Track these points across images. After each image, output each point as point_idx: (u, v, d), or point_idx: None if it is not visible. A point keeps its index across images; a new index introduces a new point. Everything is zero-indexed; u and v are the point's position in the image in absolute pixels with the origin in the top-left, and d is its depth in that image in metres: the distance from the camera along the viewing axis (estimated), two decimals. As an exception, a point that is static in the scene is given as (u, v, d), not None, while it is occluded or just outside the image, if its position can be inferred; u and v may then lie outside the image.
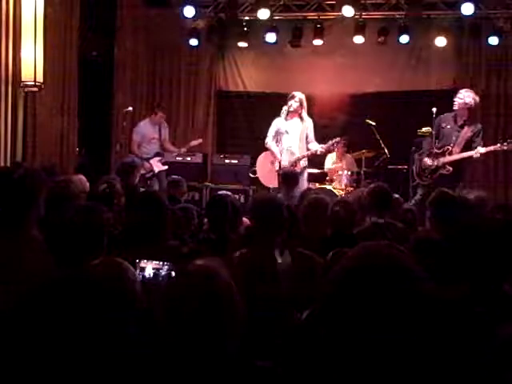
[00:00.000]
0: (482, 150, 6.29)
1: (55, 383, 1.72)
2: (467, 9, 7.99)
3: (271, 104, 7.51)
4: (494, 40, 8.53)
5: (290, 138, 6.92)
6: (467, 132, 6.41)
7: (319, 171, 8.46)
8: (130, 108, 8.21)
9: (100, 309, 1.81)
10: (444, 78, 9.04)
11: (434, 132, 6.59)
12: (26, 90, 6.68)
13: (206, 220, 4.51)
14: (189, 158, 8.62)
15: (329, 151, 7.41)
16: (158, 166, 8.02)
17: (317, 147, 6.96)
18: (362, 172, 8.06)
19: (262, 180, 7.32)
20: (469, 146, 6.39)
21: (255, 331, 1.67)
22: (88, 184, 5.02)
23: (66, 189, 3.88)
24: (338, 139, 7.09)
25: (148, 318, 1.83)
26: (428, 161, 6.52)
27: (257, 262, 2.88)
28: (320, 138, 7.19)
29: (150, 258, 2.40)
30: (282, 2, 9.10)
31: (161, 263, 2.25)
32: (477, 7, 8.06)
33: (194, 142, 8.42)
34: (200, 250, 3.29)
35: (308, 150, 6.99)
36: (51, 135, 7.61)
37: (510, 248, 2.19)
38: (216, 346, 1.58)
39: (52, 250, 2.36)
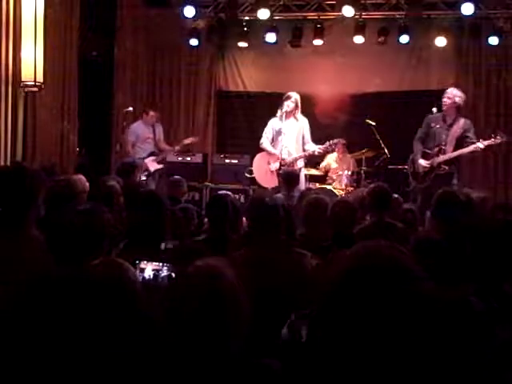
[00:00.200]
0: (481, 145, 6.31)
1: (55, 383, 1.72)
2: (467, 9, 7.99)
3: (271, 104, 7.50)
4: (494, 40, 8.53)
5: (287, 138, 6.92)
6: (457, 130, 6.44)
7: (319, 171, 8.48)
8: (130, 108, 8.22)
9: (100, 309, 1.81)
10: (444, 78, 9.03)
11: (423, 132, 6.62)
12: (26, 90, 6.68)
13: (206, 220, 4.51)
14: (189, 158, 8.62)
15: (326, 152, 7.41)
16: (153, 165, 8.03)
17: (314, 148, 6.96)
18: (362, 172, 8.06)
19: (258, 180, 7.32)
20: (460, 143, 6.42)
21: (256, 331, 1.66)
22: (88, 184, 5.02)
23: (66, 189, 3.88)
24: (335, 141, 7.08)
25: (148, 318, 1.83)
26: (423, 162, 6.53)
27: (255, 262, 2.88)
28: (320, 138, 7.19)
29: (150, 259, 2.40)
30: (281, 2, 9.10)
31: (160, 264, 2.25)
32: (477, 7, 8.05)
33: (187, 141, 8.41)
34: (200, 250, 3.28)
35: (305, 150, 6.99)
36: (51, 135, 7.61)
37: (510, 248, 2.19)
38: (218, 346, 1.58)
39: (52, 249, 2.36)
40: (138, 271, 2.30)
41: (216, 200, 3.98)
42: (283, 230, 3.17)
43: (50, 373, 1.72)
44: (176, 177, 6.09)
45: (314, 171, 8.30)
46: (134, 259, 2.36)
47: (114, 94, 9.50)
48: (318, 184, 8.07)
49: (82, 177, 5.08)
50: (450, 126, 6.47)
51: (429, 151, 6.55)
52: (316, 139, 7.15)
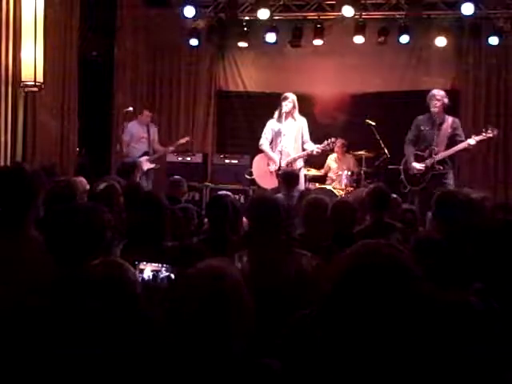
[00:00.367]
0: (472, 141, 6.37)
1: (56, 383, 1.72)
2: (467, 9, 7.99)
3: (271, 104, 7.49)
4: (494, 40, 8.52)
5: (286, 139, 6.92)
6: (447, 129, 6.49)
7: (320, 172, 8.48)
8: (130, 108, 8.24)
9: (100, 309, 1.81)
10: (444, 78, 9.03)
11: (414, 134, 6.64)
12: (26, 90, 6.68)
13: (206, 220, 4.51)
14: (189, 158, 8.63)
15: (325, 151, 7.41)
16: (146, 164, 8.07)
17: (313, 147, 6.97)
18: (362, 172, 8.06)
19: (258, 181, 7.33)
20: (451, 142, 6.47)
21: (257, 331, 1.66)
22: (88, 185, 5.02)
23: (66, 189, 3.88)
24: (333, 139, 7.09)
25: (147, 318, 1.83)
26: (417, 165, 6.55)
27: (255, 262, 2.88)
28: (320, 139, 7.18)
29: (150, 259, 2.40)
30: (281, 2, 9.09)
31: (160, 265, 2.24)
32: (477, 7, 8.05)
33: (182, 141, 8.44)
34: (200, 250, 3.28)
35: (304, 150, 7.00)
36: (51, 135, 7.61)
37: (510, 248, 2.19)
38: (221, 346, 1.57)
39: (52, 250, 2.36)
40: (137, 272, 2.30)
41: (216, 200, 3.99)
42: (283, 230, 3.17)
43: (50, 372, 1.72)
44: (176, 177, 6.09)
45: (313, 171, 8.30)
46: (133, 260, 2.36)
47: (114, 94, 9.50)
48: (317, 184, 8.08)
49: (82, 179, 5.10)
50: (440, 125, 6.52)
51: (421, 153, 6.59)
52: (316, 139, 7.14)
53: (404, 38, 8.70)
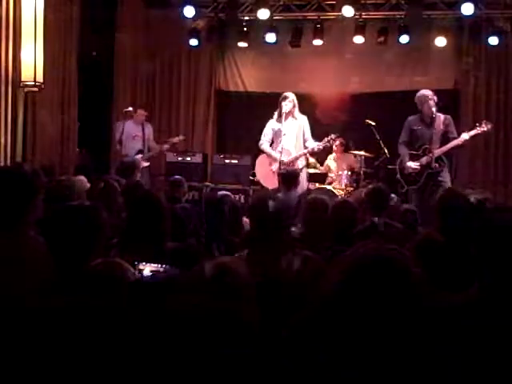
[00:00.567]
0: (466, 136, 6.40)
1: (56, 383, 1.72)
2: (467, 9, 8.00)
3: (271, 104, 7.49)
4: (494, 40, 8.52)
5: (287, 138, 6.92)
6: (440, 126, 6.50)
7: (320, 171, 8.48)
8: (130, 108, 8.23)
9: (100, 309, 1.81)
10: (444, 78, 9.04)
11: (406, 135, 6.66)
12: (25, 90, 6.68)
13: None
14: (189, 158, 8.63)
15: (326, 148, 7.41)
16: (141, 163, 8.07)
17: (313, 145, 6.98)
18: (362, 172, 8.06)
19: (261, 181, 7.32)
20: (444, 139, 6.49)
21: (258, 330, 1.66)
22: (88, 185, 5.02)
23: (66, 189, 3.88)
24: (332, 136, 7.10)
25: (147, 319, 1.82)
26: (412, 164, 6.55)
27: (257, 263, 2.87)
28: (319, 138, 7.18)
29: (149, 259, 2.39)
30: (281, 2, 9.10)
31: (159, 266, 2.24)
32: (477, 7, 8.06)
33: (175, 139, 8.47)
34: (200, 251, 3.28)
35: (305, 148, 7.00)
36: (51, 135, 7.61)
37: (510, 248, 2.19)
38: (225, 345, 1.57)
39: (52, 250, 2.36)
40: (136, 272, 2.29)
41: (210, 201, 3.97)
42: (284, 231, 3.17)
43: (49, 373, 1.72)
44: (176, 177, 6.09)
45: (315, 170, 8.29)
46: (133, 260, 2.35)
47: (114, 94, 9.50)
48: (317, 184, 8.07)
49: (82, 178, 5.09)
50: (431, 123, 6.53)
51: (415, 152, 6.59)
52: (316, 139, 7.14)
53: (404, 38, 8.70)
